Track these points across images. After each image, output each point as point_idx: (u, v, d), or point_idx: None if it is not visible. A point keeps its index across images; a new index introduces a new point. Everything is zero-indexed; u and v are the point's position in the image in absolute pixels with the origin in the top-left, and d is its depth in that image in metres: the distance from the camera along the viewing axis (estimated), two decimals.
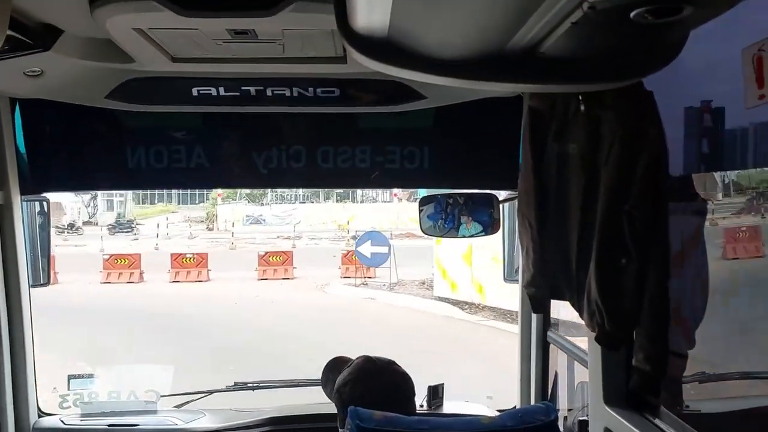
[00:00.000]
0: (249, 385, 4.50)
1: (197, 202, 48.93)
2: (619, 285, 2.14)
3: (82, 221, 42.67)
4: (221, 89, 3.16)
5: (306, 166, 3.66)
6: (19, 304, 3.53)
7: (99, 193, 43.13)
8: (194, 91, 3.16)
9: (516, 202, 3.38)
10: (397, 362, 2.60)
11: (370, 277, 24.30)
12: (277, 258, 26.39)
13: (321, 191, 37.61)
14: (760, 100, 1.67)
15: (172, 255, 25.71)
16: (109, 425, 3.76)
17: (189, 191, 44.65)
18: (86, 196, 43.95)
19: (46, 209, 3.79)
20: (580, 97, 2.27)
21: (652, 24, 1.46)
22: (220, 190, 39.71)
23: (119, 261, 25.23)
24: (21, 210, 3.52)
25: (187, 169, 3.63)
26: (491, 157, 3.64)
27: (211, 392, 4.35)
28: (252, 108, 3.33)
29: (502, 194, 3.62)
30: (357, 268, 24.20)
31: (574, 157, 2.36)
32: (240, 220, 43.14)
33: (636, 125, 2.07)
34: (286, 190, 38.83)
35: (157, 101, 3.25)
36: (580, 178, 2.31)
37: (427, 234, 3.67)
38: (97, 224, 42.99)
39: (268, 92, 3.17)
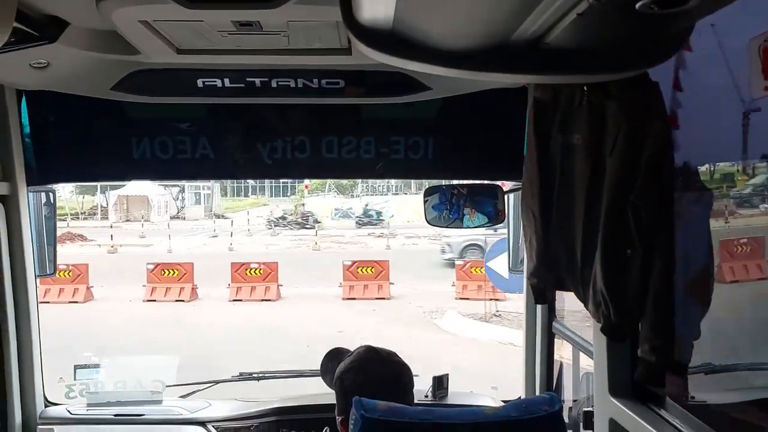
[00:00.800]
0: (254, 375, 4.52)
1: (288, 194, 47.43)
2: (624, 276, 2.14)
3: (170, 215, 40.65)
4: (226, 80, 3.16)
5: (311, 157, 3.66)
6: (26, 294, 3.54)
7: (186, 185, 41.92)
8: (199, 83, 3.16)
9: (520, 193, 3.39)
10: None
11: (499, 300, 16.43)
12: (368, 270, 19.62)
13: (413, 182, 35.66)
14: (766, 91, 1.66)
15: (233, 265, 19.79)
16: (114, 415, 3.78)
17: (281, 182, 43.39)
18: (174, 189, 42.68)
19: (52, 200, 3.81)
20: (585, 88, 2.26)
21: (658, 15, 1.45)
22: (307, 182, 37.70)
23: (167, 272, 19.69)
24: (27, 201, 3.54)
25: (192, 160, 3.64)
26: (496, 148, 3.64)
27: (216, 382, 4.36)
28: (257, 99, 3.33)
29: (507, 185, 3.61)
30: (480, 286, 17.07)
31: (579, 148, 2.36)
32: (328, 214, 39.32)
33: (641, 116, 2.07)
34: (377, 180, 36.83)
35: (162, 93, 3.25)
36: (585, 169, 2.31)
37: (431, 224, 3.68)
38: (184, 218, 41.17)
39: (273, 83, 3.17)
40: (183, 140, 3.62)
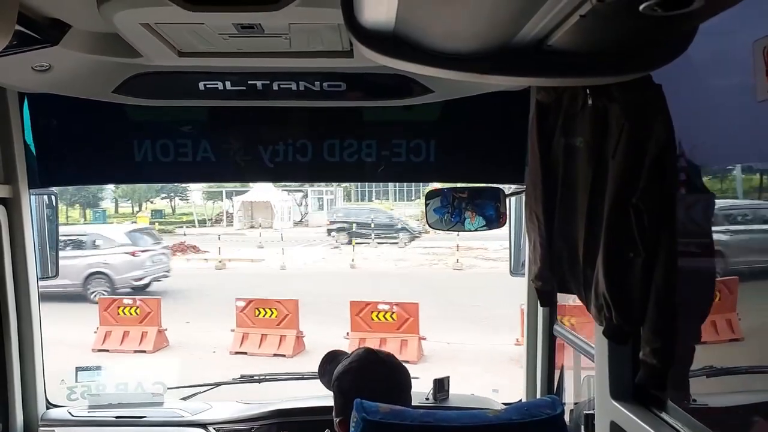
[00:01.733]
0: (255, 377, 4.52)
1: (413, 198, 45.10)
2: (627, 278, 2.13)
3: (293, 222, 39.59)
4: (228, 83, 3.16)
5: (312, 160, 3.66)
6: (28, 296, 3.55)
7: (309, 190, 41.09)
8: (201, 86, 3.16)
9: (522, 195, 3.38)
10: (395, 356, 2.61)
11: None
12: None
13: None
14: None
15: (352, 306, 13.74)
16: (116, 417, 3.78)
17: (405, 186, 42.06)
18: (298, 194, 41.66)
19: (54, 203, 3.82)
20: (588, 91, 2.26)
21: (661, 17, 1.45)
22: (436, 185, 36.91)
23: (262, 313, 14.33)
24: (29, 204, 3.54)
25: (193, 163, 3.65)
26: (498, 151, 3.64)
27: (217, 384, 4.36)
28: (258, 102, 3.33)
29: (508, 188, 3.61)
30: None
31: (582, 151, 2.35)
32: None
33: (643, 118, 2.07)
34: None
35: (164, 96, 3.25)
36: (587, 172, 2.31)
37: (433, 228, 3.68)
38: (308, 225, 39.31)
39: (275, 86, 3.17)
40: (184, 143, 3.63)
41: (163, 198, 47.59)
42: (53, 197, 3.82)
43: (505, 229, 3.81)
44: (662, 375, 2.19)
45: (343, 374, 2.51)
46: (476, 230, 3.67)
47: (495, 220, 3.52)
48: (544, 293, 2.78)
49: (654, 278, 2.09)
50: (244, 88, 3.18)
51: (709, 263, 2.31)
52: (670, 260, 2.07)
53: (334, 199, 43.76)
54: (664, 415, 2.39)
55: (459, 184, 3.65)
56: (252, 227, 38.11)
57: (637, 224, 2.08)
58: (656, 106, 2.05)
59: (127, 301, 15.22)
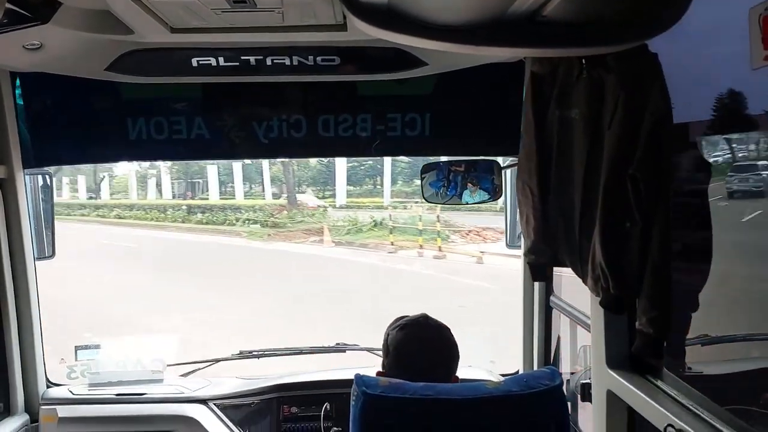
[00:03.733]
0: (254, 353, 4.53)
1: None
2: (624, 249, 2.14)
3: None
4: (221, 59, 3.14)
5: (307, 136, 3.65)
6: (26, 276, 3.56)
7: None
8: (194, 62, 3.14)
9: (516, 169, 3.38)
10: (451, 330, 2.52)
11: None
12: None
13: None
14: (765, 61, 1.65)
15: None
16: (116, 395, 3.80)
17: None
18: None
19: (48, 182, 3.81)
20: (583, 61, 2.25)
21: None
22: None
23: None
24: (24, 184, 3.53)
25: (187, 140, 3.64)
26: (493, 124, 3.63)
27: (217, 361, 4.37)
28: (252, 78, 3.31)
29: (504, 160, 3.61)
30: None
31: (577, 122, 2.35)
32: None
33: (639, 88, 2.06)
34: None
35: (157, 72, 3.23)
36: (583, 142, 2.31)
37: (429, 202, 3.68)
38: None
39: (268, 61, 3.15)
40: (178, 120, 3.61)
41: None
42: (48, 177, 3.81)
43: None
44: (659, 344, 2.21)
45: (391, 330, 2.47)
46: (474, 203, 3.68)
47: (491, 193, 3.53)
48: (536, 267, 2.78)
49: (650, 248, 2.10)
50: (238, 63, 3.16)
51: (705, 233, 2.32)
52: (665, 230, 2.08)
53: None
54: (660, 383, 2.41)
55: (454, 158, 3.65)
56: None
57: (634, 194, 2.09)
58: (652, 76, 2.04)
59: None
